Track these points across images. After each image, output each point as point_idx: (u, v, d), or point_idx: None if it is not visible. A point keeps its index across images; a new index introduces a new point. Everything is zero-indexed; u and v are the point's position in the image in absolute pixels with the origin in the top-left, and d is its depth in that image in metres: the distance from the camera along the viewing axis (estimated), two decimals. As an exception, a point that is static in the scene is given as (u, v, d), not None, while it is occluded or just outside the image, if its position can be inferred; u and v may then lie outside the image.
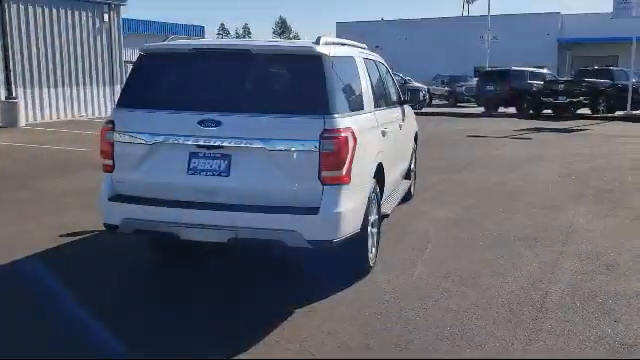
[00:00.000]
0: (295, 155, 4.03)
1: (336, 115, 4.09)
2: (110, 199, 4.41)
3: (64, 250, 5.65)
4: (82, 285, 4.66)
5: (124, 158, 4.38)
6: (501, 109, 25.37)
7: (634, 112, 22.43)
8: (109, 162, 4.44)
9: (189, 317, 4.09)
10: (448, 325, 3.91)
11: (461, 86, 32.63)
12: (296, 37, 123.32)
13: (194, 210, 4.16)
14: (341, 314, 4.11)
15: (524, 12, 49.35)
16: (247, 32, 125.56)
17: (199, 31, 57.38)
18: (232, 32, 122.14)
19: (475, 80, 34.22)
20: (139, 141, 4.31)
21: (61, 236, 6.03)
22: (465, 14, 71.05)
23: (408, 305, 4.24)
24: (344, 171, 4.06)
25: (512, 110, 24.61)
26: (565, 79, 26.16)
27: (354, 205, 4.25)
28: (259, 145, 4.05)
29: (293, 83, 4.32)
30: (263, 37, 79.68)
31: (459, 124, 20.73)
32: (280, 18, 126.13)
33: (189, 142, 4.18)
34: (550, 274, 4.97)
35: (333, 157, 4.00)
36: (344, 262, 4.73)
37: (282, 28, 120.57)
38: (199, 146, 4.16)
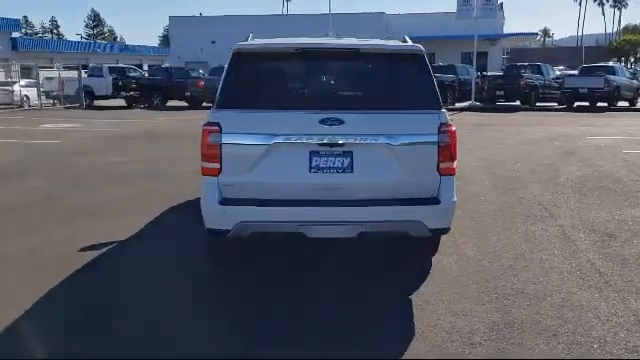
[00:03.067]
0: (416, 149, 4.31)
1: (444, 110, 4.44)
2: (221, 203, 4.28)
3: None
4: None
5: (235, 160, 4.27)
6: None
7: (477, 103, 25.22)
8: (215, 165, 4.30)
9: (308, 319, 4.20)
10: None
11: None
12: (111, 32, 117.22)
13: (322, 208, 4.23)
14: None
15: (354, 12, 51.77)
16: (55, 26, 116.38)
17: (13, 25, 52.17)
18: (37, 26, 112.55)
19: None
20: (256, 142, 4.24)
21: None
22: (285, 12, 73.13)
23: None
24: (455, 162, 4.43)
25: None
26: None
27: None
28: (383, 141, 4.25)
29: (403, 80, 4.53)
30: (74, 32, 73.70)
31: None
32: (93, 11, 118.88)
33: (310, 141, 4.23)
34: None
35: (448, 149, 4.34)
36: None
37: (95, 22, 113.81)
38: (320, 144, 4.23)
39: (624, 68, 30.44)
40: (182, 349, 3.68)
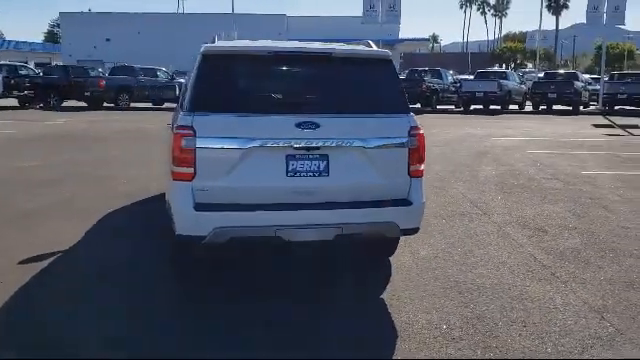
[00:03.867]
0: (388, 152, 4.42)
1: (412, 114, 4.58)
2: (196, 209, 4.16)
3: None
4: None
5: (210, 165, 4.16)
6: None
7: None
8: (188, 170, 4.17)
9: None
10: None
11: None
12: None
13: (299, 211, 4.22)
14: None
15: (254, 12, 51.67)
16: None
17: None
18: None
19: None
20: (232, 146, 4.16)
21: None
22: (181, 10, 71.71)
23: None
24: (423, 165, 4.59)
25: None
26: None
27: None
28: (357, 144, 4.32)
29: (374, 84, 4.59)
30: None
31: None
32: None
33: (286, 145, 4.22)
34: (514, 239, 6.18)
35: (418, 152, 4.49)
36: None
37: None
38: (297, 148, 4.23)
39: (515, 73, 32.60)
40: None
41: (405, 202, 4.47)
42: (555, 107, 26.72)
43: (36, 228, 6.37)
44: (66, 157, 11.55)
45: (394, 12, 24.61)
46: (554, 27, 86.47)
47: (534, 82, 28.72)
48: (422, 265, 5.33)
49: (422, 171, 4.58)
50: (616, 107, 26.51)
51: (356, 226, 4.34)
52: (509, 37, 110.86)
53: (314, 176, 4.28)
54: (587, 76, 34.08)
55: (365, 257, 5.50)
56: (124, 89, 25.24)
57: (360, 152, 4.35)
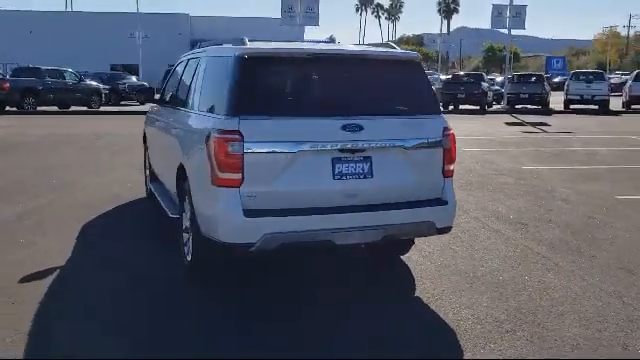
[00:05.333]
0: (425, 152, 4.50)
1: (443, 115, 4.69)
2: (246, 215, 4.02)
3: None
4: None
5: (258, 170, 4.04)
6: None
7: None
8: (236, 176, 4.02)
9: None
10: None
11: (124, 84, 31.94)
12: None
13: (348, 214, 4.20)
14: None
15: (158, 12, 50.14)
16: None
17: None
18: None
19: (134, 77, 34.14)
20: (281, 150, 4.07)
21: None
22: (68, 9, 68.18)
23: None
24: (454, 165, 4.71)
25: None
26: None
27: None
28: (398, 145, 4.36)
29: (408, 86, 4.65)
30: None
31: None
32: None
33: (333, 147, 4.18)
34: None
35: (450, 152, 4.61)
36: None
37: None
38: (342, 150, 4.21)
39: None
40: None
41: (440, 201, 4.58)
42: (462, 107, 28.10)
43: (20, 246, 5.87)
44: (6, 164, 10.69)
45: (312, 14, 24.81)
46: (444, 30, 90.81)
47: (445, 83, 29.99)
48: (435, 262, 5.46)
49: (453, 171, 4.70)
50: (517, 106, 28.30)
51: (400, 227, 4.39)
52: (403, 40, 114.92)
53: (359, 178, 4.28)
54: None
55: (373, 256, 5.54)
56: (30, 92, 23.66)
57: (400, 153, 4.41)
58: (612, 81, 37.05)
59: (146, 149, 7.76)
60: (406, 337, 3.99)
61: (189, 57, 6.00)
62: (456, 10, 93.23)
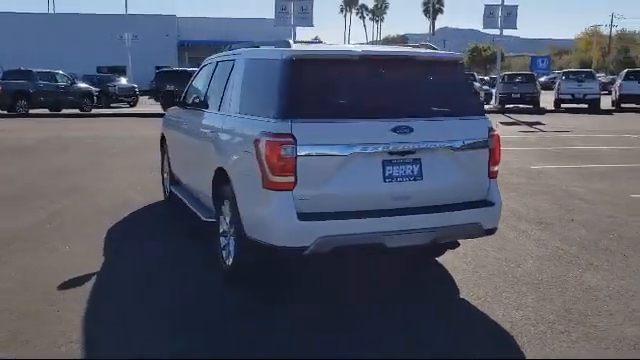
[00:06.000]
0: (473, 153, 4.48)
1: (487, 115, 4.68)
2: (300, 218, 3.98)
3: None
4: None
5: (311, 173, 4.00)
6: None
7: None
8: (289, 179, 3.98)
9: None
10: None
11: (114, 86, 31.62)
12: None
13: (399, 217, 4.17)
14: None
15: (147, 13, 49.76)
16: None
17: None
18: None
19: (124, 79, 33.83)
20: (334, 153, 4.03)
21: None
22: (52, 10, 67.53)
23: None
24: (498, 166, 4.70)
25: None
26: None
27: None
28: (446, 147, 4.34)
29: (453, 87, 4.64)
30: None
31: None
32: None
33: (384, 150, 4.15)
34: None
35: (496, 153, 4.60)
36: None
37: None
38: (391, 153, 4.18)
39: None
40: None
41: (487, 203, 4.56)
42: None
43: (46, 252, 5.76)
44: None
45: (306, 14, 24.76)
46: (428, 31, 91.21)
47: None
48: (470, 263, 5.44)
49: (497, 172, 4.69)
50: (508, 105, 28.44)
51: (449, 229, 4.37)
52: (389, 40, 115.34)
53: (409, 180, 4.25)
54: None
55: (408, 258, 5.52)
56: (22, 94, 23.35)
57: (448, 154, 4.39)
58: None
59: (164, 152, 7.67)
60: (464, 340, 3.96)
61: (218, 60, 5.93)
62: (441, 10, 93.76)
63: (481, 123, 4.56)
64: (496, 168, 4.64)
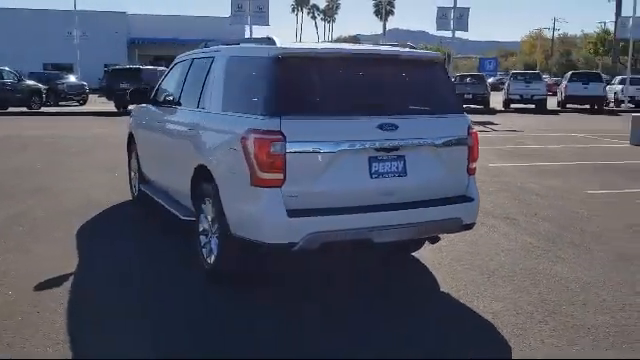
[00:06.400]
0: (453, 150, 4.61)
1: (465, 113, 4.83)
2: (290, 215, 4.01)
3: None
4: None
5: (300, 170, 4.04)
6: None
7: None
8: (278, 176, 4.00)
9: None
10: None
11: (62, 84, 30.69)
12: None
13: (385, 212, 4.25)
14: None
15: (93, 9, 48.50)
16: None
17: None
18: None
19: (73, 77, 32.92)
20: (322, 150, 4.08)
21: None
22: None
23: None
24: (476, 163, 4.85)
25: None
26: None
27: None
28: (428, 144, 4.46)
29: (434, 85, 4.75)
30: None
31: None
32: None
33: (371, 146, 4.23)
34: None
35: (475, 150, 4.74)
36: None
37: None
38: (377, 149, 4.26)
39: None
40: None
41: (466, 198, 4.70)
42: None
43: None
44: None
45: (262, 13, 24.68)
46: (379, 32, 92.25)
47: None
48: (445, 257, 5.59)
49: (475, 169, 4.84)
50: (461, 106, 29.07)
51: (432, 224, 4.49)
52: (340, 41, 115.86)
53: (394, 176, 4.34)
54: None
55: (382, 254, 5.61)
56: (-35, 92, 22.44)
57: (431, 151, 4.50)
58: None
59: (131, 152, 7.54)
60: (452, 333, 4.08)
61: (194, 57, 5.89)
62: (392, 12, 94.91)
63: (461, 121, 4.69)
64: (474, 165, 4.79)
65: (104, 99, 26.73)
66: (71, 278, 4.89)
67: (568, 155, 13.24)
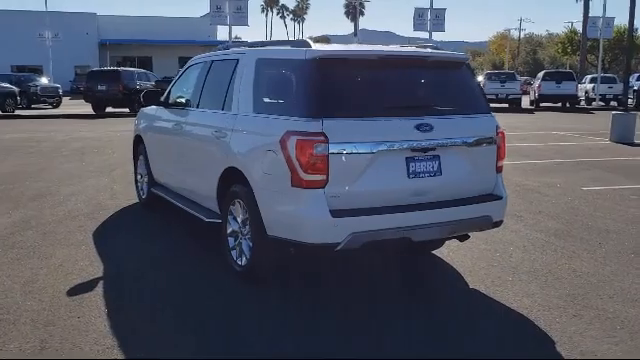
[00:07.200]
0: (484, 149, 4.71)
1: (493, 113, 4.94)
2: (333, 215, 4.05)
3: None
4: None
5: (341, 170, 4.09)
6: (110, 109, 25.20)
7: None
8: (321, 177, 4.05)
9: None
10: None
11: (35, 86, 30.09)
12: None
13: (423, 211, 4.33)
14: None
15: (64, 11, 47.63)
16: None
17: None
18: None
19: (44, 79, 32.36)
20: (363, 151, 4.14)
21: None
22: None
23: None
24: (503, 161, 4.96)
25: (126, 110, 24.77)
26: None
27: None
28: (462, 144, 4.55)
29: (464, 86, 4.85)
30: None
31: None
32: None
33: (409, 147, 4.30)
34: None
35: (502, 149, 4.86)
36: None
37: None
38: (414, 150, 4.34)
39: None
40: None
41: (495, 196, 4.81)
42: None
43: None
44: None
45: (241, 13, 24.60)
46: (350, 32, 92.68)
47: None
48: (464, 256, 5.68)
49: (502, 167, 4.95)
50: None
51: (465, 221, 4.58)
52: (312, 40, 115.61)
53: (430, 176, 4.43)
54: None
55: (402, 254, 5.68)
56: None
57: (463, 151, 4.60)
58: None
59: (138, 155, 7.47)
60: (490, 329, 4.17)
61: (213, 59, 5.87)
62: (362, 12, 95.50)
63: (489, 120, 4.80)
64: (502, 163, 4.90)
65: (76, 101, 26.30)
66: (100, 282, 4.85)
67: (555, 153, 13.54)
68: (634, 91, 30.86)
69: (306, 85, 4.23)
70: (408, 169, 4.33)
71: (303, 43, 4.51)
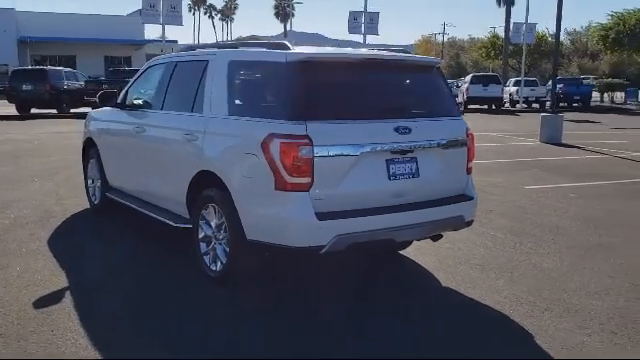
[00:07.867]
0: (456, 151, 4.84)
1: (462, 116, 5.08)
2: (319, 218, 4.04)
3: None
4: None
5: (325, 173, 4.09)
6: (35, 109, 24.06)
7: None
8: (306, 180, 4.03)
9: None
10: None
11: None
12: None
13: (404, 212, 4.40)
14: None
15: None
16: None
17: None
18: None
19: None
20: (347, 153, 4.15)
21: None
22: None
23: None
24: (472, 162, 5.11)
25: (53, 111, 23.74)
26: (105, 79, 27.09)
27: None
28: (436, 146, 4.65)
29: (436, 89, 4.94)
30: None
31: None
32: None
33: (389, 149, 4.36)
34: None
35: (472, 151, 5.01)
36: None
37: None
38: (393, 152, 4.40)
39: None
40: None
41: (467, 197, 4.95)
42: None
43: None
44: None
45: (175, 13, 24.10)
46: (279, 33, 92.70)
47: None
48: (430, 255, 5.81)
49: (472, 168, 5.10)
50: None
51: (441, 222, 4.69)
52: (240, 41, 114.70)
53: (409, 178, 4.50)
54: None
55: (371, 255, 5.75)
56: None
57: (438, 153, 4.71)
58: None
59: (89, 158, 7.17)
60: (469, 325, 4.29)
61: (177, 60, 5.71)
62: (292, 14, 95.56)
63: (460, 123, 4.94)
64: (471, 165, 5.05)
65: (7, 102, 24.99)
66: (66, 291, 4.63)
67: (492, 153, 14.05)
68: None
69: (288, 88, 4.21)
70: (388, 171, 4.39)
71: (281, 45, 4.48)
